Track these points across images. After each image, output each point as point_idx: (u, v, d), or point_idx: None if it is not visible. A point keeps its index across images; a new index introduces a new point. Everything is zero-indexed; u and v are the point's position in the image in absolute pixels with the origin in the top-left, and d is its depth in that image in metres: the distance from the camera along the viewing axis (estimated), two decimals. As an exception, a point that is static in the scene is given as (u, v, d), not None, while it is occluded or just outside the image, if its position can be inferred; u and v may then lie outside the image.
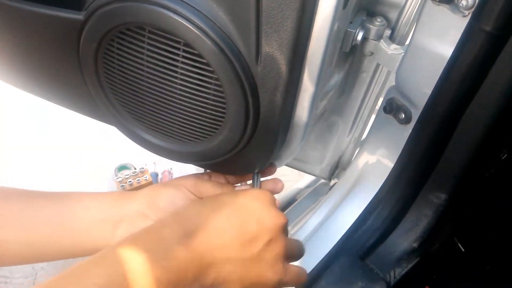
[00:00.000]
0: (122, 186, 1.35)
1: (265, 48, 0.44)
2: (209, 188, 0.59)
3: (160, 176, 1.46)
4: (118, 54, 0.50)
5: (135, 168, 1.43)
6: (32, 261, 0.55)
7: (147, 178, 1.39)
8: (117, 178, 1.38)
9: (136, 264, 0.41)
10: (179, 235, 0.46)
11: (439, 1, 0.43)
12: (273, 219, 0.50)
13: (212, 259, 0.46)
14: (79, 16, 0.49)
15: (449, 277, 0.67)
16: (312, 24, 0.44)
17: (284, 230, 0.51)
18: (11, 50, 0.60)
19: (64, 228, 0.53)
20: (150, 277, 0.40)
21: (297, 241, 0.55)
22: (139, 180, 1.37)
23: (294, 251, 0.53)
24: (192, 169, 1.46)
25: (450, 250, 0.67)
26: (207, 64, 0.47)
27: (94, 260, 0.41)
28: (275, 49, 0.44)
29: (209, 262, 0.46)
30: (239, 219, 0.49)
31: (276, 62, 0.45)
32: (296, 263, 0.56)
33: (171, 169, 1.49)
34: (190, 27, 0.44)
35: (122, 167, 1.45)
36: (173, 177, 1.45)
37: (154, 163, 1.48)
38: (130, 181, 1.37)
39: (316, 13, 0.44)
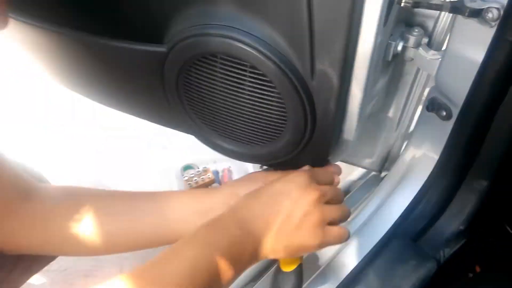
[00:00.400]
0: (189, 184, 1.47)
1: (319, 66, 0.52)
2: (275, 177, 0.68)
3: (220, 173, 1.56)
4: (195, 77, 0.60)
5: (198, 168, 1.55)
6: (137, 248, 0.66)
7: (210, 176, 1.49)
8: (184, 177, 1.50)
9: (211, 244, 0.53)
10: (236, 221, 0.59)
11: (467, 15, 0.48)
12: (305, 195, 0.60)
13: (261, 237, 0.58)
14: (162, 49, 0.58)
15: (497, 257, 0.72)
16: (357, 43, 0.51)
17: (319, 201, 0.60)
18: (105, 75, 0.72)
19: (165, 219, 0.65)
20: (221, 252, 0.53)
21: (339, 207, 0.64)
22: (203, 178, 1.49)
23: (336, 216, 0.63)
24: (249, 166, 1.55)
25: (498, 233, 0.72)
26: (270, 82, 0.55)
27: (183, 241, 0.53)
28: (327, 66, 0.51)
29: (259, 240, 0.58)
30: (276, 202, 0.60)
31: (328, 77, 0.52)
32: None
33: (229, 167, 1.59)
34: (255, 52, 0.53)
35: (187, 167, 1.56)
36: (232, 175, 1.56)
37: (215, 162, 1.59)
38: (196, 180, 1.48)
39: (360, 34, 0.50)
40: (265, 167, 1.52)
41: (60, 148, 1.69)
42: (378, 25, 0.49)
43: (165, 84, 0.63)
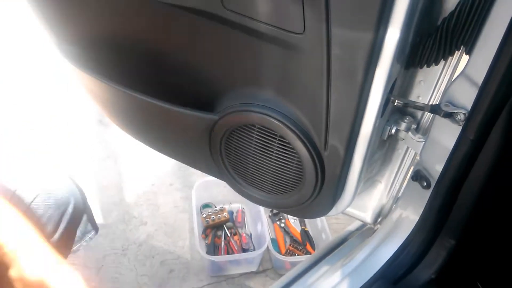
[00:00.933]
0: (207, 221, 1.61)
1: (331, 141, 0.68)
2: None
3: (235, 214, 1.70)
4: (236, 140, 0.76)
5: (215, 207, 1.69)
6: None
7: (225, 216, 1.63)
8: (202, 214, 1.64)
9: None
10: None
11: (442, 116, 0.64)
12: None
13: None
14: (215, 117, 0.75)
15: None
16: (361, 127, 0.67)
17: None
18: (162, 129, 0.88)
19: None
20: None
21: None
22: (219, 216, 1.62)
23: None
24: (261, 209, 1.69)
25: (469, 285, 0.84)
26: (292, 149, 0.71)
27: None
28: (337, 143, 0.67)
29: None
30: None
31: (337, 150, 0.68)
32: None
33: (243, 208, 1.73)
34: (284, 127, 0.69)
35: (205, 205, 1.71)
36: (245, 215, 1.70)
37: (230, 203, 1.73)
38: (213, 218, 1.62)
39: (363, 120, 0.67)
40: (275, 211, 1.65)
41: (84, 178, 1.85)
42: (377, 116, 0.66)
43: (211, 142, 0.79)
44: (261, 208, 1.66)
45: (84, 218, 0.97)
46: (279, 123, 0.69)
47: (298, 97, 0.66)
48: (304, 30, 0.58)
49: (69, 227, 0.89)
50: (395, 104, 0.68)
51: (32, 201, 0.82)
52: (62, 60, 0.94)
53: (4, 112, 2.09)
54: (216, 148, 0.80)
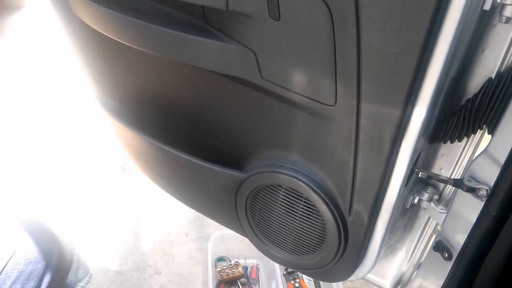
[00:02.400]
0: (221, 275, 1.60)
1: (355, 207, 0.70)
2: None
3: (249, 270, 1.69)
4: (262, 199, 0.79)
5: (230, 261, 1.69)
6: None
7: (240, 271, 1.63)
8: (217, 268, 1.64)
9: None
10: None
11: (465, 190, 0.67)
12: None
13: None
14: (243, 175, 0.79)
15: None
16: (385, 195, 0.70)
17: None
18: (190, 183, 0.92)
19: None
20: None
21: None
22: (234, 271, 1.62)
23: None
24: (276, 266, 1.68)
25: None
26: (317, 211, 0.74)
27: None
28: (361, 208, 0.70)
29: None
30: None
31: (361, 216, 0.71)
32: None
33: (258, 264, 1.73)
34: (310, 190, 0.72)
35: (220, 259, 1.71)
36: (259, 272, 1.68)
37: (245, 258, 1.73)
38: (227, 272, 1.61)
39: (388, 190, 0.70)
40: (290, 270, 1.64)
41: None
42: (401, 186, 0.68)
43: (237, 199, 0.83)
44: (276, 266, 1.65)
45: (74, 266, 0.95)
46: (305, 186, 0.72)
47: (326, 163, 0.70)
48: (335, 103, 0.63)
49: (55, 279, 0.86)
50: (419, 175, 0.71)
51: (9, 259, 0.81)
52: (100, 110, 1.00)
53: (28, 154, 2.18)
54: (241, 205, 0.83)
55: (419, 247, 0.90)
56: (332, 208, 0.71)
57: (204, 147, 0.83)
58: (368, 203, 0.69)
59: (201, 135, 0.83)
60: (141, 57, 0.78)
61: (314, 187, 0.72)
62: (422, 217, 0.87)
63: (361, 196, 0.69)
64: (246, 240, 0.91)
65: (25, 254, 0.83)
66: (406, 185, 0.71)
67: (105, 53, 0.86)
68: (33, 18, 3.33)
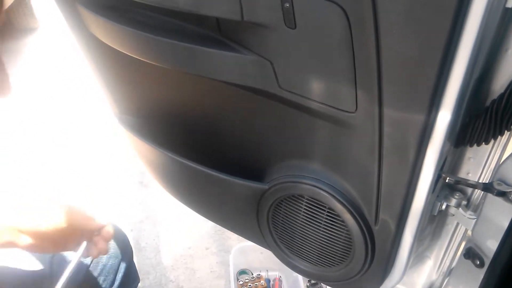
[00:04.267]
0: (243, 288, 1.59)
1: (382, 216, 0.69)
2: None
3: (272, 282, 1.68)
4: (284, 210, 0.78)
5: (252, 274, 1.67)
6: None
7: (263, 284, 1.61)
8: (239, 281, 1.62)
9: None
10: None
11: (495, 195, 0.65)
12: None
13: None
14: (265, 186, 0.78)
15: None
16: (412, 202, 0.68)
17: None
18: (211, 196, 0.92)
19: None
20: None
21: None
22: (256, 284, 1.60)
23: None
24: (299, 277, 1.66)
25: None
26: (342, 221, 0.72)
27: None
28: (388, 217, 0.68)
29: None
30: None
31: (388, 225, 0.69)
32: None
33: (280, 277, 1.70)
34: (333, 200, 0.71)
35: (242, 272, 1.69)
36: (282, 284, 1.66)
37: (267, 270, 1.71)
38: (250, 285, 1.60)
39: (415, 196, 0.68)
40: (313, 281, 1.61)
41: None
42: (428, 192, 0.67)
43: (259, 211, 0.82)
44: (299, 277, 1.63)
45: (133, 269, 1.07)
46: (328, 195, 0.71)
47: (349, 171, 0.69)
48: (356, 109, 0.62)
49: (126, 273, 0.99)
50: (446, 181, 0.69)
51: None
52: (119, 126, 1.01)
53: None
54: (263, 217, 0.82)
55: (448, 254, 0.87)
56: (357, 217, 0.70)
57: (224, 160, 0.83)
58: (394, 212, 0.67)
59: (220, 147, 0.82)
60: (158, 72, 0.79)
61: (337, 196, 0.70)
62: (450, 224, 0.84)
63: (387, 204, 0.67)
64: (267, 252, 0.90)
65: (108, 250, 0.93)
66: (433, 191, 0.69)
67: (121, 70, 0.87)
68: (48, 39, 3.40)
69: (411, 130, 0.59)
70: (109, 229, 0.77)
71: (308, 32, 0.60)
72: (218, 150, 0.83)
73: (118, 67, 0.87)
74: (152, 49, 0.71)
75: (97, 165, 2.24)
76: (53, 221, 0.70)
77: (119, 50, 0.76)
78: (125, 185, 2.16)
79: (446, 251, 0.86)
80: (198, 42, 0.68)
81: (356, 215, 0.70)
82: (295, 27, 0.59)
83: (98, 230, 0.76)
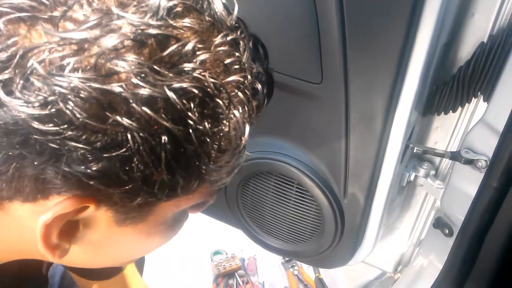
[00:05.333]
0: (218, 269, 1.57)
1: (350, 189, 0.67)
2: None
3: (246, 261, 1.67)
4: (252, 188, 0.76)
5: (227, 254, 1.66)
6: None
7: (237, 263, 1.60)
8: (213, 262, 1.61)
9: None
10: None
11: (463, 163, 0.64)
12: None
13: None
14: (231, 164, 0.75)
15: None
16: (380, 174, 0.67)
17: None
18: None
19: None
20: None
21: None
22: (231, 264, 1.59)
23: None
24: (274, 257, 1.66)
25: None
26: (311, 196, 0.70)
27: None
28: (356, 190, 0.67)
29: None
30: None
31: (356, 198, 0.68)
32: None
33: (255, 255, 1.70)
34: (302, 175, 0.69)
35: (216, 252, 1.68)
36: (256, 262, 1.66)
37: (242, 250, 1.70)
38: (224, 265, 1.59)
39: (382, 167, 0.66)
40: (287, 258, 1.62)
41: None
42: (396, 163, 0.66)
43: (227, 190, 0.79)
44: (274, 255, 1.63)
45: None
46: (297, 171, 0.69)
47: (317, 145, 0.67)
48: (322, 80, 0.59)
49: None
50: (414, 151, 0.68)
51: None
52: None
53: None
54: (232, 196, 0.80)
55: (418, 225, 0.87)
56: (326, 192, 0.68)
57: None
58: (363, 184, 0.66)
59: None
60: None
61: (306, 172, 0.68)
62: (419, 194, 0.84)
63: (355, 177, 0.66)
64: (241, 232, 0.88)
65: None
66: (401, 162, 0.68)
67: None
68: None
69: (378, 99, 0.57)
70: None
71: (275, 3, 0.57)
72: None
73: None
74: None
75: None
76: None
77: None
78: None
79: (416, 221, 0.87)
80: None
81: (325, 189, 0.68)
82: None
83: None
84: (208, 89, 0.26)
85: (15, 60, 0.24)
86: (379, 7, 0.51)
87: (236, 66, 0.29)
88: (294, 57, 0.60)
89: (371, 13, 0.52)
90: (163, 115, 0.25)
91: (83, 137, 0.24)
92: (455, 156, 0.65)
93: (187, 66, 0.26)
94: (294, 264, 1.64)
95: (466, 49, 0.64)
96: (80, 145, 0.24)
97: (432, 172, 0.77)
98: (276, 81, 0.62)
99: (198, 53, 0.26)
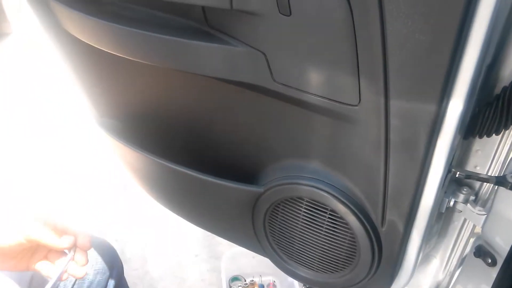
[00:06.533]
0: (236, 295, 1.53)
1: (389, 217, 0.64)
2: None
3: None
4: (281, 214, 0.73)
5: (245, 280, 1.62)
6: None
7: (256, 290, 1.56)
8: (231, 288, 1.57)
9: None
10: None
11: (510, 188, 0.61)
12: None
13: None
14: (260, 189, 0.72)
15: None
16: (420, 200, 0.64)
17: None
18: (201, 203, 0.86)
19: None
20: None
21: None
22: (250, 291, 1.55)
23: None
24: (294, 283, 1.61)
25: None
26: (346, 224, 0.67)
27: None
28: (396, 218, 0.64)
29: None
30: None
31: (395, 225, 0.64)
32: None
33: (274, 282, 1.65)
34: (336, 200, 0.66)
35: (234, 278, 1.64)
36: (276, 290, 1.61)
37: (260, 276, 1.65)
38: (243, 292, 1.55)
39: (423, 193, 0.63)
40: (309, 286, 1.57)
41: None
42: (438, 188, 0.62)
43: (254, 216, 0.76)
44: (295, 282, 1.58)
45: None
46: (330, 196, 0.66)
47: (352, 170, 0.64)
48: (359, 102, 0.57)
49: None
50: (457, 176, 0.65)
51: None
52: (99, 130, 0.94)
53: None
54: (259, 222, 0.77)
55: (455, 253, 0.83)
56: (362, 219, 0.65)
57: (215, 162, 0.77)
58: (403, 211, 0.63)
59: (211, 149, 0.77)
60: (140, 70, 0.73)
61: (340, 197, 0.65)
62: (457, 221, 0.80)
63: (395, 203, 0.62)
64: (260, 257, 0.85)
65: (94, 265, 0.91)
66: (442, 187, 0.65)
67: (100, 69, 0.80)
68: (22, 44, 3.29)
69: (421, 122, 0.55)
70: (84, 240, 0.67)
71: (304, 18, 0.55)
72: (209, 152, 0.77)
73: (97, 67, 0.81)
74: (133, 44, 0.65)
75: (76, 170, 2.16)
76: (9, 235, 0.62)
77: (97, 48, 0.70)
78: (107, 190, 2.08)
79: (453, 249, 0.82)
80: (183, 35, 0.63)
81: (361, 216, 0.65)
82: (290, 13, 0.54)
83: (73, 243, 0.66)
84: None
85: None
86: (425, 26, 0.49)
87: None
88: (330, 77, 0.58)
89: (415, 30, 0.50)
90: None
91: None
92: (500, 181, 0.62)
93: None
94: (316, 291, 1.59)
95: (510, 68, 0.61)
96: None
97: (472, 198, 0.73)
98: (309, 102, 0.60)
99: None
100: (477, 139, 0.70)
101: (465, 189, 0.73)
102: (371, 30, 0.51)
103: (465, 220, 0.79)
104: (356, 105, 0.57)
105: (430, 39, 0.49)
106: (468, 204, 0.72)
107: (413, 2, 0.47)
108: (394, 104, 0.55)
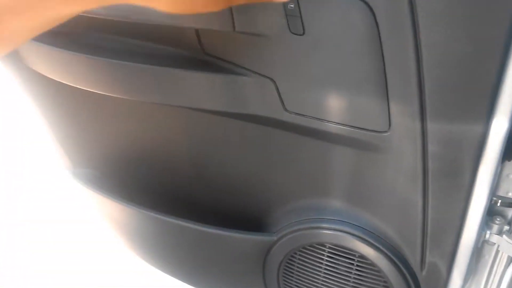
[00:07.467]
0: None
1: (429, 259, 0.56)
2: None
3: None
4: (299, 264, 0.63)
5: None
6: None
7: None
8: None
9: None
10: None
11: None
12: None
13: None
14: (272, 237, 0.63)
15: None
16: (461, 237, 0.56)
17: None
18: (201, 259, 0.75)
19: None
20: None
21: None
22: None
23: None
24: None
25: None
26: (378, 271, 0.58)
27: None
28: (437, 258, 0.55)
29: None
30: None
31: (437, 268, 0.56)
32: None
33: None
34: (365, 244, 0.57)
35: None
36: None
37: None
38: None
39: (464, 229, 0.56)
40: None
41: None
42: (481, 221, 0.55)
43: (265, 268, 0.66)
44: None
45: None
46: (358, 240, 0.58)
47: (383, 207, 0.56)
48: (389, 128, 0.49)
49: None
50: (498, 205, 0.58)
51: None
52: (74, 182, 0.83)
53: None
54: (271, 276, 0.67)
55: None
56: (398, 263, 0.56)
57: (217, 210, 0.67)
58: (446, 250, 0.55)
59: (211, 195, 0.67)
60: (124, 110, 0.63)
61: (370, 240, 0.57)
62: (488, 254, 0.72)
63: (436, 242, 0.54)
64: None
65: None
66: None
67: (77, 114, 0.71)
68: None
69: (465, 145, 0.48)
70: None
71: (319, 36, 0.48)
72: (209, 198, 0.68)
73: (72, 111, 0.71)
74: (118, 78, 0.56)
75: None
76: None
77: (71, 90, 0.60)
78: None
79: (486, 285, 0.74)
80: (175, 63, 0.54)
81: (396, 261, 0.56)
82: (303, 32, 0.47)
83: None
84: None
85: None
86: (467, 38, 0.43)
87: None
88: (352, 102, 0.51)
89: (457, 45, 0.43)
90: None
91: None
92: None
93: None
94: None
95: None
96: None
97: (506, 228, 0.66)
98: (328, 132, 0.52)
99: None
100: (507, 163, 0.63)
101: (498, 219, 0.65)
102: (403, 47, 0.44)
103: (497, 253, 0.71)
104: (386, 132, 0.50)
105: (475, 50, 0.43)
106: (504, 235, 0.65)
107: (454, 7, 0.41)
108: (432, 127, 0.48)
